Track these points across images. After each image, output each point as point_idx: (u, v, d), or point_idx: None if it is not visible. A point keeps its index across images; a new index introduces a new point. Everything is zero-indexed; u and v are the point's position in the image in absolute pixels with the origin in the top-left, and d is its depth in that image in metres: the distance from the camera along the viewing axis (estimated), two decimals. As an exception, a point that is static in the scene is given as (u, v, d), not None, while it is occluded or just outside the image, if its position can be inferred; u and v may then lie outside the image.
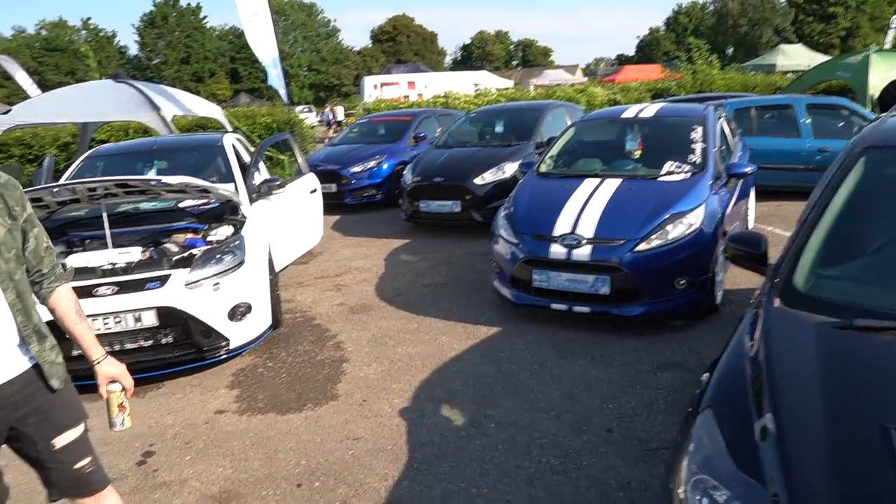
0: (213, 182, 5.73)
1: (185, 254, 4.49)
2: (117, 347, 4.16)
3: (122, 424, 2.18)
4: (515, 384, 3.97)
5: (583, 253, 4.59)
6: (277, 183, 5.71)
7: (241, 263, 4.58)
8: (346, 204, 10.20)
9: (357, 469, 3.21)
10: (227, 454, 3.45)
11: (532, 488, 2.95)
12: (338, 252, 7.79)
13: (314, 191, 6.87)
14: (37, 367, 2.06)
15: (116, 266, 4.35)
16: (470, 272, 6.43)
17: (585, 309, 4.65)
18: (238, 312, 4.53)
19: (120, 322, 4.15)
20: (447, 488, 3.00)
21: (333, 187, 10.11)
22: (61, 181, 5.48)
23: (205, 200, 5.05)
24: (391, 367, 4.39)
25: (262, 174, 7.07)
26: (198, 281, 4.33)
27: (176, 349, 4.31)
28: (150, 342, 4.22)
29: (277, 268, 5.88)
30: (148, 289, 4.23)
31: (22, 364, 2.03)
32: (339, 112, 30.00)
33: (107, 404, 2.17)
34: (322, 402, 3.97)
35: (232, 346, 4.47)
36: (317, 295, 6.08)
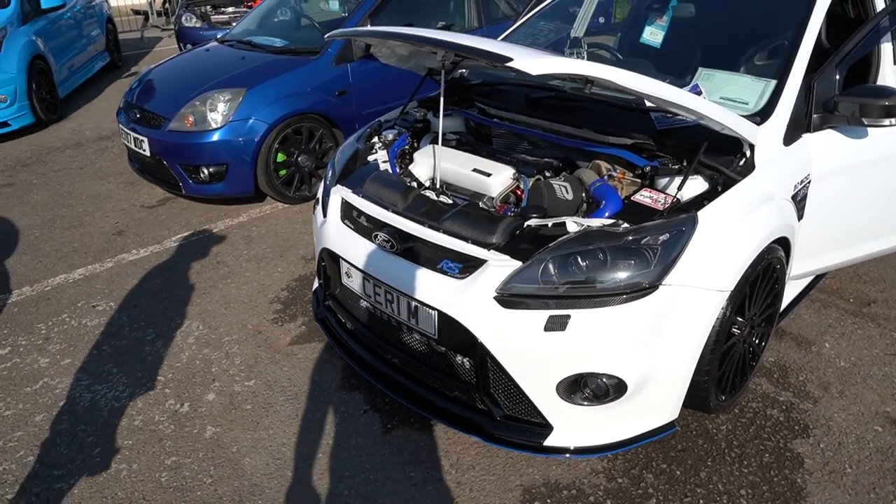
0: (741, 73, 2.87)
1: (560, 220, 2.14)
2: (404, 335, 2.38)
3: None
4: None
5: None
6: (882, 103, 2.42)
7: (650, 288, 1.99)
8: None
9: None
10: None
11: None
12: None
13: None
14: None
15: (440, 198, 2.38)
16: None
17: None
18: (588, 388, 2.09)
19: (392, 303, 2.31)
20: None
21: None
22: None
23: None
24: None
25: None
26: (525, 297, 2.02)
27: (459, 388, 2.27)
28: (442, 348, 2.29)
29: (831, 262, 2.87)
30: (440, 269, 2.18)
31: None
32: None
33: None
34: None
35: (553, 441, 2.14)
36: (864, 353, 2.82)
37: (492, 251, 2.10)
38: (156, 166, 4.30)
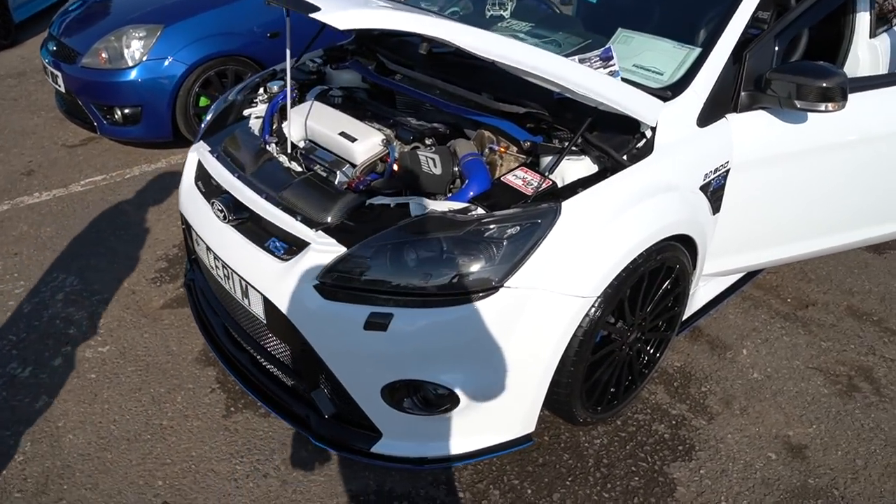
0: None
1: (405, 200, 1.85)
2: (244, 315, 2.12)
3: None
4: None
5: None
6: (820, 84, 2.05)
7: (491, 289, 1.70)
8: None
9: None
10: None
11: None
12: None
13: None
14: None
15: (291, 164, 2.08)
16: None
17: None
18: (417, 395, 1.83)
19: (229, 279, 2.05)
20: None
21: None
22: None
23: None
24: None
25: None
26: (346, 289, 1.74)
27: (295, 378, 2.03)
28: (273, 335, 2.04)
29: (754, 262, 2.55)
30: (267, 248, 1.91)
31: None
32: None
33: None
34: None
35: (383, 448, 1.90)
36: (783, 364, 2.52)
37: (318, 232, 1.82)
38: (72, 103, 4.02)
